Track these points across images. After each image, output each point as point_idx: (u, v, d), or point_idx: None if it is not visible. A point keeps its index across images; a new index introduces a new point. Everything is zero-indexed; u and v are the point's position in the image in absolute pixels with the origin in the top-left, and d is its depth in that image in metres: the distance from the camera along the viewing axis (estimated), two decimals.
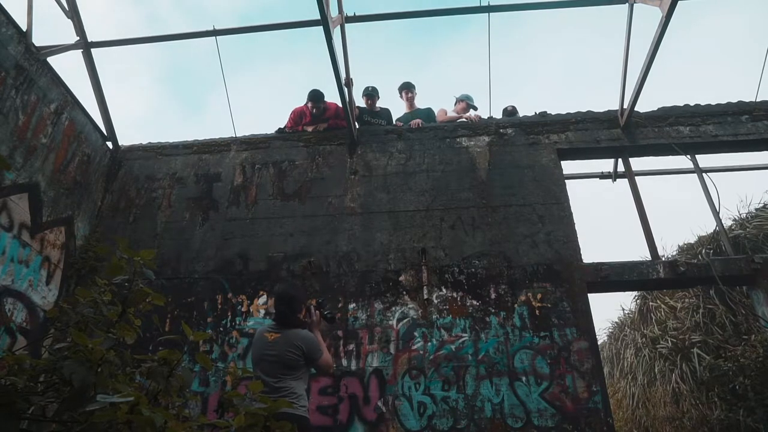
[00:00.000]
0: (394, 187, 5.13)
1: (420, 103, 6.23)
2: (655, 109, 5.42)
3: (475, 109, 5.99)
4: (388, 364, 4.20)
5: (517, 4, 5.23)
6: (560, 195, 4.87)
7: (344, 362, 4.22)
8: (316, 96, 5.75)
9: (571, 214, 4.77)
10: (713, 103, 5.34)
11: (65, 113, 4.97)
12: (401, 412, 3.98)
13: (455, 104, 6.17)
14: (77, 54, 5.32)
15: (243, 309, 4.60)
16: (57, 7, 5.10)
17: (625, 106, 5.21)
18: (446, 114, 5.99)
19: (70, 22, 5.20)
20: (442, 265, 4.61)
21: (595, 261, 4.54)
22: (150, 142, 5.89)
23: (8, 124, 4.23)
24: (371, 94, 5.94)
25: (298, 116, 5.86)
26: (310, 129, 5.76)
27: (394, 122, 5.92)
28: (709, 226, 6.79)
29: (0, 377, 1.26)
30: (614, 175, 5.97)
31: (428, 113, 5.95)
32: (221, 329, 4.52)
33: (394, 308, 4.45)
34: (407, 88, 6.22)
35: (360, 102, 5.94)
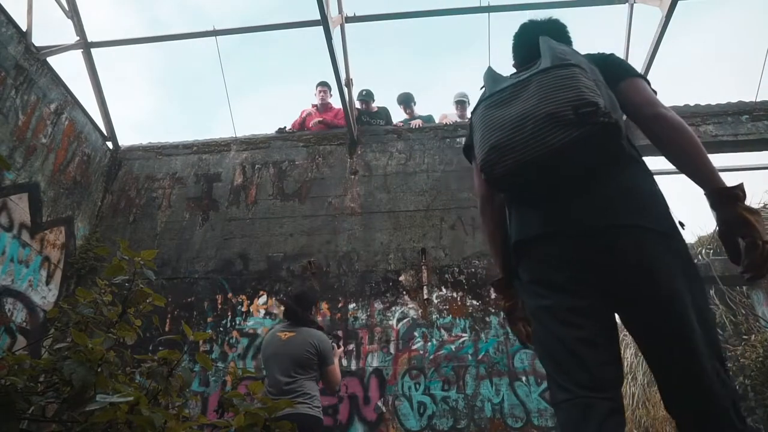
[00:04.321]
0: (394, 187, 5.13)
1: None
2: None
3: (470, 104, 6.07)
4: (388, 364, 4.20)
5: (517, 4, 5.23)
6: None
7: (344, 362, 4.21)
8: (324, 83, 5.95)
9: None
10: (713, 103, 5.34)
11: (65, 113, 4.97)
12: (401, 412, 3.98)
13: (456, 108, 6.18)
14: (77, 54, 5.32)
15: (243, 309, 4.60)
16: (57, 7, 5.10)
17: None
18: (446, 118, 6.01)
19: (70, 22, 5.20)
20: (442, 265, 4.61)
21: None
22: (150, 142, 5.89)
23: (8, 124, 4.23)
24: (366, 99, 5.94)
25: (303, 121, 5.92)
26: (317, 119, 5.84)
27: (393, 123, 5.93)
28: (709, 226, 6.80)
29: (0, 377, 1.26)
30: None
31: (429, 120, 5.97)
32: (221, 329, 4.52)
33: (394, 308, 4.46)
34: (410, 101, 6.15)
35: (358, 104, 5.96)
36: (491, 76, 1.45)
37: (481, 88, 1.49)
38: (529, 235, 1.28)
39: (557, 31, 1.57)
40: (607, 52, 1.45)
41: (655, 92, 1.36)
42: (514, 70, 1.57)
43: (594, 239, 1.19)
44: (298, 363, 2.72)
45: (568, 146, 1.13)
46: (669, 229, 1.20)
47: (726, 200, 1.14)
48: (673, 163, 1.26)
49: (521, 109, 1.20)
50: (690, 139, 1.21)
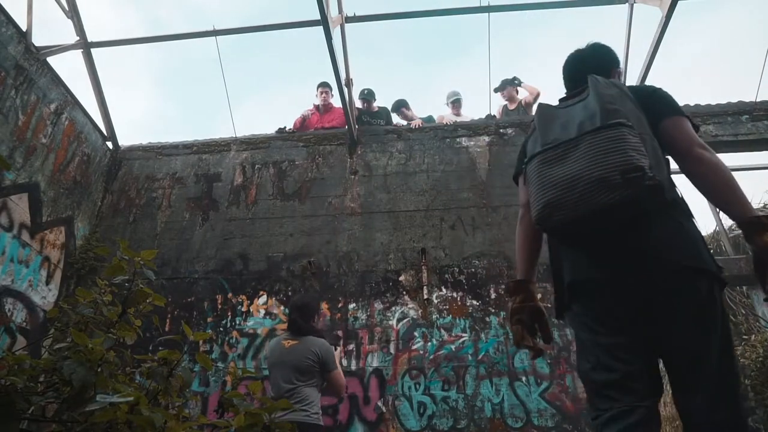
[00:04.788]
0: (394, 187, 5.13)
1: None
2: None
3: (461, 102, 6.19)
4: (388, 364, 4.20)
5: (517, 5, 5.23)
6: None
7: (344, 362, 4.22)
8: (325, 83, 5.96)
9: None
10: (713, 103, 5.34)
11: (65, 113, 4.97)
12: (401, 412, 3.98)
13: (451, 108, 6.19)
14: (77, 54, 5.32)
15: (243, 309, 4.60)
16: (57, 7, 5.10)
17: None
18: (444, 119, 6.02)
19: (70, 22, 5.20)
20: (442, 265, 4.61)
21: None
22: (150, 142, 5.89)
23: (8, 124, 4.23)
24: (367, 97, 5.95)
25: (303, 121, 5.92)
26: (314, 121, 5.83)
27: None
28: (709, 226, 6.79)
29: (0, 377, 1.26)
30: None
31: (429, 120, 5.97)
32: (221, 329, 4.52)
33: (394, 308, 4.46)
34: (401, 107, 6.17)
35: (359, 103, 5.96)
36: (542, 113, 1.54)
37: (532, 121, 1.61)
38: (581, 277, 1.43)
39: (602, 60, 1.70)
40: (655, 86, 1.55)
41: (697, 128, 1.46)
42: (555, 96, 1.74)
43: (640, 281, 1.33)
44: (299, 370, 2.78)
45: (615, 205, 1.26)
46: (713, 268, 1.33)
47: (752, 229, 1.26)
48: (708, 199, 1.39)
49: (572, 170, 1.32)
50: (725, 179, 1.32)
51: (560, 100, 1.59)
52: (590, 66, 1.62)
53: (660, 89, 1.54)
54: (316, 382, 2.84)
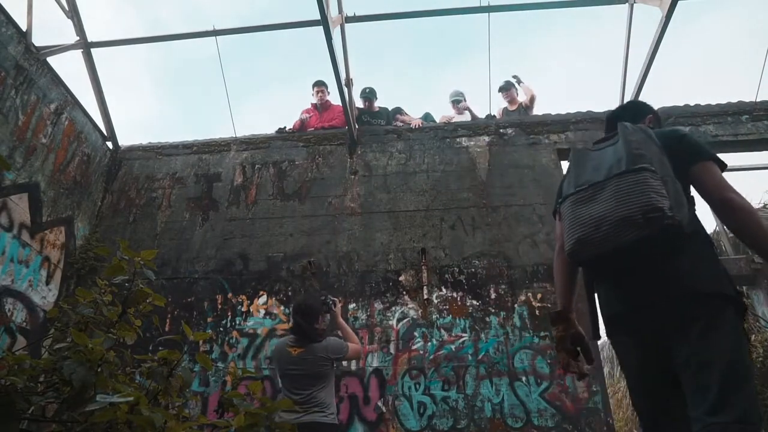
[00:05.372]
0: (394, 187, 5.13)
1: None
2: (655, 109, 5.40)
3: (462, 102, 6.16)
4: (388, 364, 4.20)
5: (517, 4, 5.23)
6: None
7: (344, 363, 4.21)
8: (320, 82, 5.96)
9: None
10: (713, 103, 5.34)
11: (65, 113, 4.96)
12: (401, 412, 3.98)
13: (452, 107, 6.19)
14: (77, 54, 5.32)
15: (243, 309, 4.60)
16: (57, 7, 5.10)
17: None
18: (445, 118, 6.02)
19: (70, 22, 5.20)
20: (442, 265, 4.60)
21: None
22: (150, 142, 5.89)
23: (8, 124, 4.23)
24: (369, 96, 5.94)
25: (302, 124, 5.90)
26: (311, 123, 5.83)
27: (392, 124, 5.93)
28: (709, 227, 6.79)
29: (0, 377, 1.26)
30: None
31: (427, 117, 5.96)
32: (221, 329, 4.52)
33: (394, 308, 4.45)
34: (396, 113, 6.15)
35: (360, 102, 5.96)
36: (576, 157, 1.71)
37: (569, 163, 1.78)
38: (613, 311, 1.60)
39: (638, 110, 1.96)
40: (683, 131, 1.70)
41: (724, 167, 1.58)
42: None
43: (661, 309, 1.46)
44: (313, 377, 2.83)
45: (636, 243, 1.40)
46: (731, 292, 1.44)
47: None
48: (739, 239, 1.53)
49: (599, 211, 1.47)
50: (755, 223, 1.44)
51: (594, 143, 1.77)
52: (627, 114, 1.89)
53: (687, 134, 1.68)
54: (329, 382, 2.91)
